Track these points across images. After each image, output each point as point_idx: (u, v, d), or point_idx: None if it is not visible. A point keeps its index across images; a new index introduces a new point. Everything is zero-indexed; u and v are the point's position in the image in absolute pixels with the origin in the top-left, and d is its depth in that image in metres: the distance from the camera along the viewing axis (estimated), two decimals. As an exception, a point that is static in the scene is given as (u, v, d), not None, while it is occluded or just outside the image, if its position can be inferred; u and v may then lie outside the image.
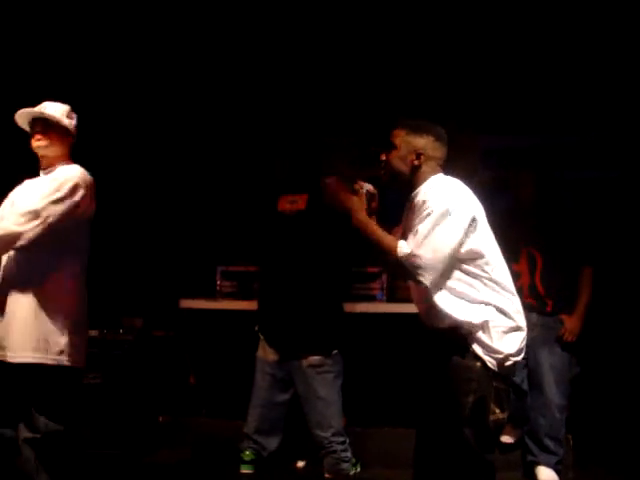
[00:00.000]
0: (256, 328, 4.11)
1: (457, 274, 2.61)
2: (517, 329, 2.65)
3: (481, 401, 2.57)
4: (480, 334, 2.59)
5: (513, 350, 2.62)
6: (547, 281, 4.14)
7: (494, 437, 2.66)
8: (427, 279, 2.56)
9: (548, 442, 4.12)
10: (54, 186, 3.04)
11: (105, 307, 4.88)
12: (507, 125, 5.51)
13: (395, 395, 4.40)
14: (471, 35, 5.17)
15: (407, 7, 4.99)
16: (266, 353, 4.04)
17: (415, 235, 2.57)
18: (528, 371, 4.15)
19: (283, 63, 5.47)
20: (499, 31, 5.13)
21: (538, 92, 5.37)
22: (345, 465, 3.96)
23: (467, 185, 2.74)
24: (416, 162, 2.72)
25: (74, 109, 3.30)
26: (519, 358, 2.66)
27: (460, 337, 2.60)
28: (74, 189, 3.03)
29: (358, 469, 4.12)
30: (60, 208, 2.99)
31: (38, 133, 3.15)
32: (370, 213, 2.71)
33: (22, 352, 3.01)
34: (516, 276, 4.02)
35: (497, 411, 2.57)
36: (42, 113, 3.16)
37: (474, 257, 2.62)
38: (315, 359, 3.92)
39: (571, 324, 4.12)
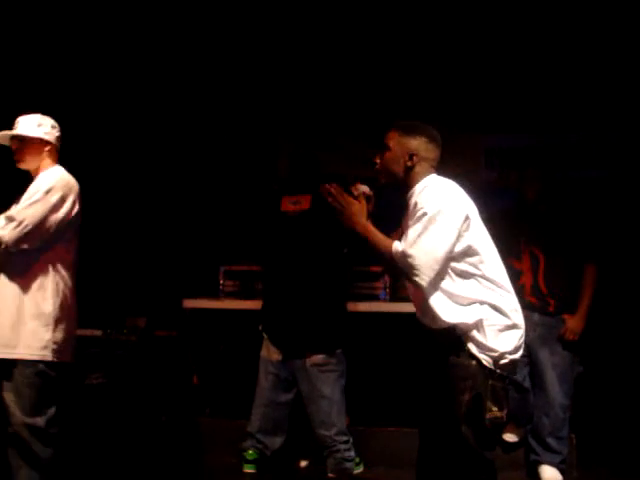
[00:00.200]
0: (260, 327, 4.12)
1: (451, 273, 2.62)
2: (513, 327, 2.65)
3: (477, 399, 2.57)
4: (475, 333, 2.60)
5: (509, 348, 2.62)
6: (550, 281, 4.13)
7: (493, 435, 2.66)
8: (423, 279, 2.57)
9: (551, 441, 4.11)
10: (31, 191, 3.20)
11: (108, 307, 4.90)
12: (509, 124, 5.52)
13: (398, 394, 4.40)
14: (472, 35, 5.18)
15: (408, 7, 5.00)
16: (270, 353, 4.05)
17: (409, 236, 2.59)
18: (530, 370, 4.14)
19: (286, 65, 5.48)
20: (501, 31, 5.14)
21: (539, 92, 5.38)
22: (348, 464, 3.96)
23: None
24: (409, 163, 2.73)
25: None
26: (517, 356, 2.66)
27: (456, 336, 2.61)
28: (48, 192, 3.17)
29: (361, 468, 4.12)
30: (34, 210, 3.12)
31: (15, 152, 3.31)
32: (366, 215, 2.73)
33: (5, 348, 3.11)
34: (518, 274, 4.04)
35: (494, 409, 2.57)
36: (13, 134, 3.30)
37: (468, 256, 2.63)
38: (318, 358, 3.92)
39: (573, 323, 4.11)
